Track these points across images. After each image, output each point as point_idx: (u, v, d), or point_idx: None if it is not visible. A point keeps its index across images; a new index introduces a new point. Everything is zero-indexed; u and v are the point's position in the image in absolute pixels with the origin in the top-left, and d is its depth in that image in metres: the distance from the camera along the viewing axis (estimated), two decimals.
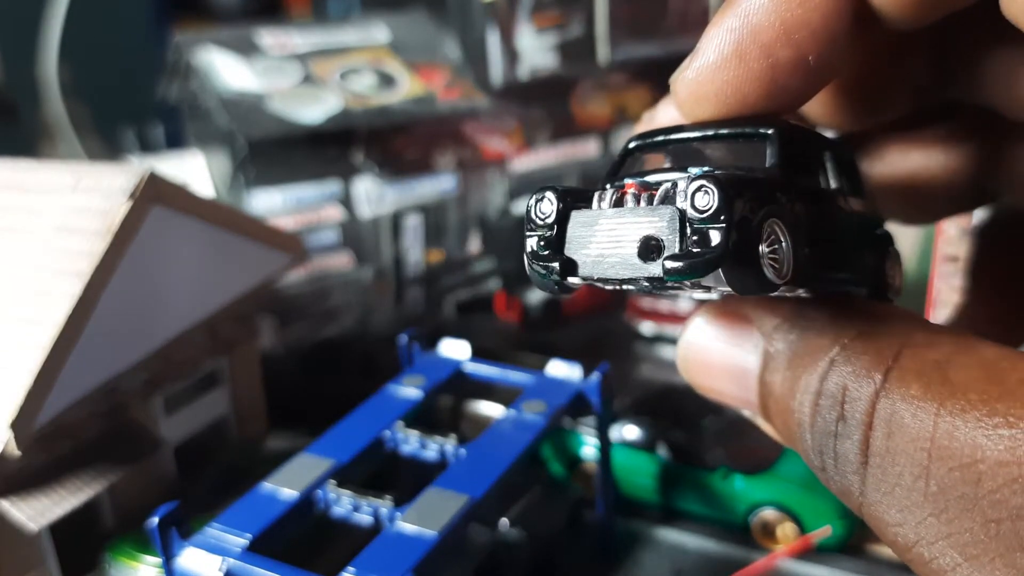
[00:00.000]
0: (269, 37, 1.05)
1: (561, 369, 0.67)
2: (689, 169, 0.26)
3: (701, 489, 0.68)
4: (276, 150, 0.93)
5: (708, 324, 0.30)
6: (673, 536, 0.68)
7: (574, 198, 0.27)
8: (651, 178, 0.26)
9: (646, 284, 0.24)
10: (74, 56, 1.26)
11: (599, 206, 0.26)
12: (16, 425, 0.53)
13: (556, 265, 0.26)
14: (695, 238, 0.23)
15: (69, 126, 1.22)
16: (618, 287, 0.26)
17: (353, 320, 0.99)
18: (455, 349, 0.71)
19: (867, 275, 0.30)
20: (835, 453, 0.25)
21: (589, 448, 0.71)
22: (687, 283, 0.23)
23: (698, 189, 0.23)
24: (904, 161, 0.34)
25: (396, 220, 1.00)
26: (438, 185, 1.03)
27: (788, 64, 0.26)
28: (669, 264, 0.23)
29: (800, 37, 0.26)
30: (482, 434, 0.60)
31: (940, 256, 0.67)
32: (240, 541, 0.50)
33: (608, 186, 0.27)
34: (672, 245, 0.24)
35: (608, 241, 0.25)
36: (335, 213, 0.97)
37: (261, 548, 0.50)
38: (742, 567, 0.64)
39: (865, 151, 0.35)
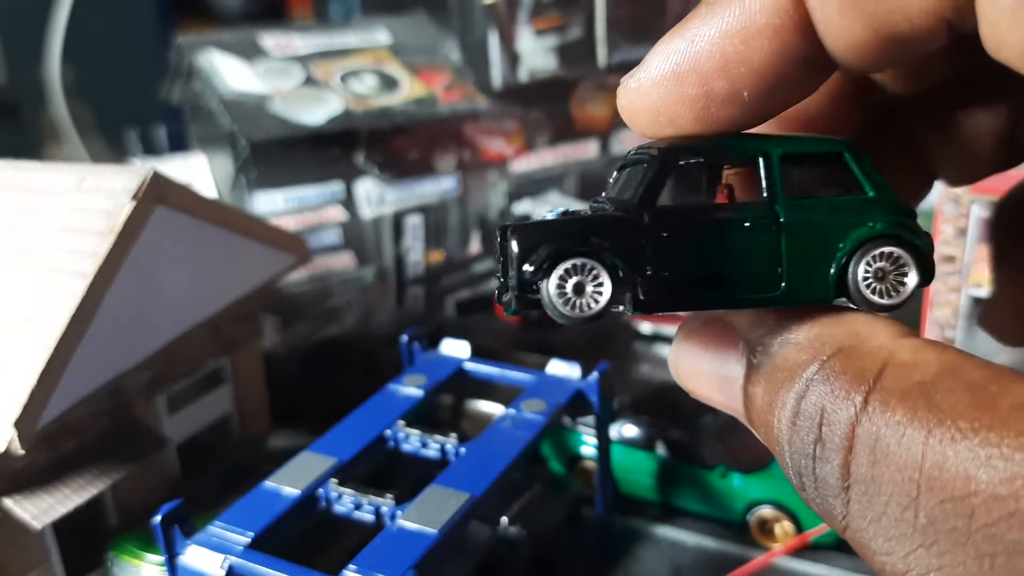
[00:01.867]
0: (271, 39, 1.05)
1: (561, 368, 0.67)
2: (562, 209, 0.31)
3: (699, 487, 0.69)
4: (278, 151, 0.93)
5: (698, 330, 0.30)
6: (672, 534, 0.69)
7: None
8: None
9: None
10: (77, 58, 1.26)
11: None
12: (20, 424, 0.54)
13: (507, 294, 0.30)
14: (501, 279, 0.29)
15: (72, 127, 1.23)
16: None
17: (355, 320, 1.00)
18: (456, 348, 0.71)
19: (821, 281, 0.29)
20: (815, 476, 0.24)
21: (588, 447, 0.71)
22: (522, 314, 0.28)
23: (505, 236, 0.28)
24: (944, 121, 0.33)
25: (397, 221, 1.00)
26: (439, 186, 1.03)
27: (721, 95, 0.26)
28: (498, 298, 0.29)
29: (737, 72, 0.26)
30: (482, 433, 0.60)
31: (937, 257, 0.67)
32: (242, 539, 0.51)
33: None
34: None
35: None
36: (337, 214, 0.97)
37: (263, 546, 0.51)
38: (740, 564, 0.64)
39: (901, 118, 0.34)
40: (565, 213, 0.29)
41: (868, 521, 0.22)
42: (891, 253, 0.28)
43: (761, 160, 0.29)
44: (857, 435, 0.23)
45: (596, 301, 0.28)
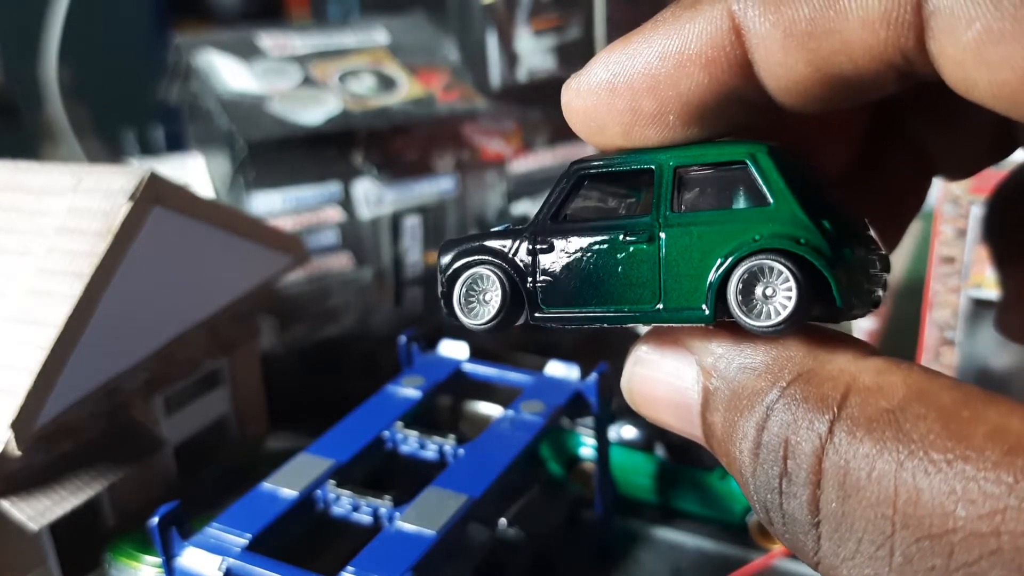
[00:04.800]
0: (269, 39, 1.05)
1: (559, 369, 0.67)
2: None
3: (699, 489, 0.69)
4: (276, 151, 0.93)
5: (650, 352, 0.29)
6: (671, 535, 0.69)
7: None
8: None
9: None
10: (75, 58, 1.26)
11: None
12: (17, 425, 0.53)
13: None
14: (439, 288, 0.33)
15: (69, 128, 1.22)
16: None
17: (353, 320, 1.00)
18: (454, 350, 0.71)
19: (701, 297, 0.27)
20: (782, 511, 0.23)
21: (587, 448, 0.71)
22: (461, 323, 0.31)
23: (439, 251, 0.33)
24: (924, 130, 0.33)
25: (395, 221, 1.00)
26: (437, 186, 1.03)
27: (648, 114, 0.27)
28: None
29: (666, 95, 0.26)
30: (481, 434, 0.60)
31: (936, 257, 0.67)
32: (240, 541, 0.51)
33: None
34: None
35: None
36: (335, 214, 0.97)
37: (261, 547, 0.51)
38: (739, 566, 0.64)
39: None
40: (506, 229, 0.31)
41: (841, 559, 0.21)
42: (771, 268, 0.25)
43: (654, 171, 0.28)
44: (824, 469, 0.22)
45: (492, 311, 0.30)
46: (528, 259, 0.30)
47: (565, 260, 0.29)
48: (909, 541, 0.20)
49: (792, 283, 0.25)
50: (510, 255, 0.30)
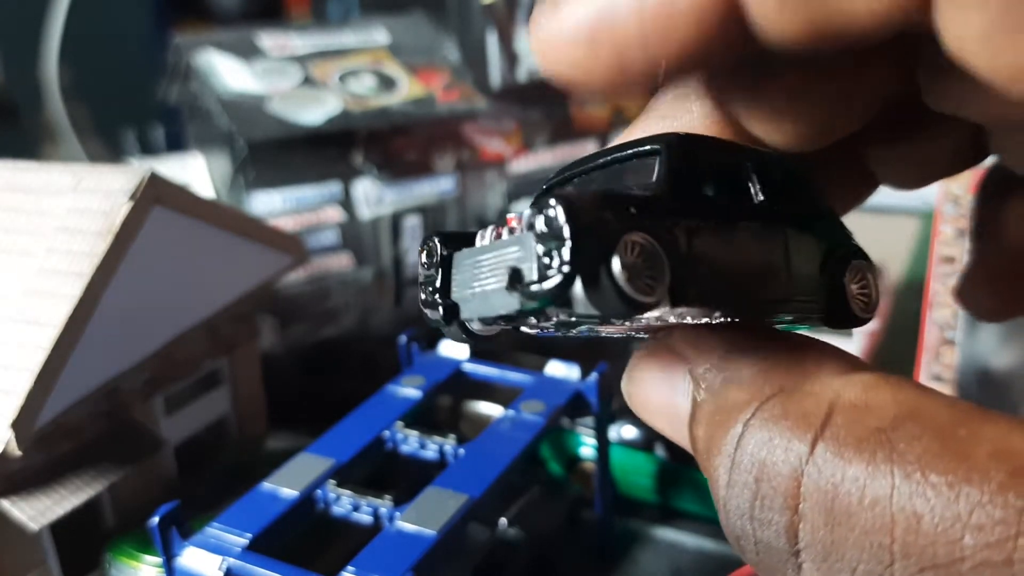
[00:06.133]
0: (269, 39, 1.05)
1: (560, 369, 0.67)
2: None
3: (699, 488, 0.69)
4: (276, 151, 0.93)
5: (648, 359, 0.27)
6: (671, 535, 0.69)
7: (460, 241, 0.26)
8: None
9: (529, 319, 0.24)
10: (75, 58, 1.26)
11: (479, 243, 0.25)
12: (17, 425, 0.53)
13: (440, 310, 0.25)
14: (546, 260, 0.22)
15: (70, 127, 1.22)
16: (506, 327, 0.25)
17: (353, 320, 1.00)
18: (454, 349, 0.71)
19: (818, 296, 0.27)
20: (754, 539, 0.21)
21: (587, 448, 0.71)
22: (555, 312, 0.22)
23: (545, 207, 0.22)
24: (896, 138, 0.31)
25: (395, 221, 1.00)
26: (437, 186, 1.03)
27: (637, 68, 0.23)
28: (525, 291, 0.22)
29: (655, 50, 0.23)
30: (481, 434, 0.60)
31: (936, 257, 0.67)
32: (240, 540, 0.51)
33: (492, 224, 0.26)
34: (530, 271, 0.22)
35: (485, 278, 0.24)
36: (335, 214, 0.97)
37: (261, 547, 0.51)
38: (740, 566, 0.64)
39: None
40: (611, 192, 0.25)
41: None
42: (861, 268, 0.28)
43: (751, 167, 0.28)
44: (805, 493, 0.20)
45: (656, 286, 0.23)
46: (676, 235, 0.23)
47: (716, 249, 0.24)
48: (911, 571, 0.19)
49: (871, 279, 0.28)
50: (661, 225, 0.23)
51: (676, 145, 0.25)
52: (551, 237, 0.21)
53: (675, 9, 0.22)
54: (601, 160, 0.27)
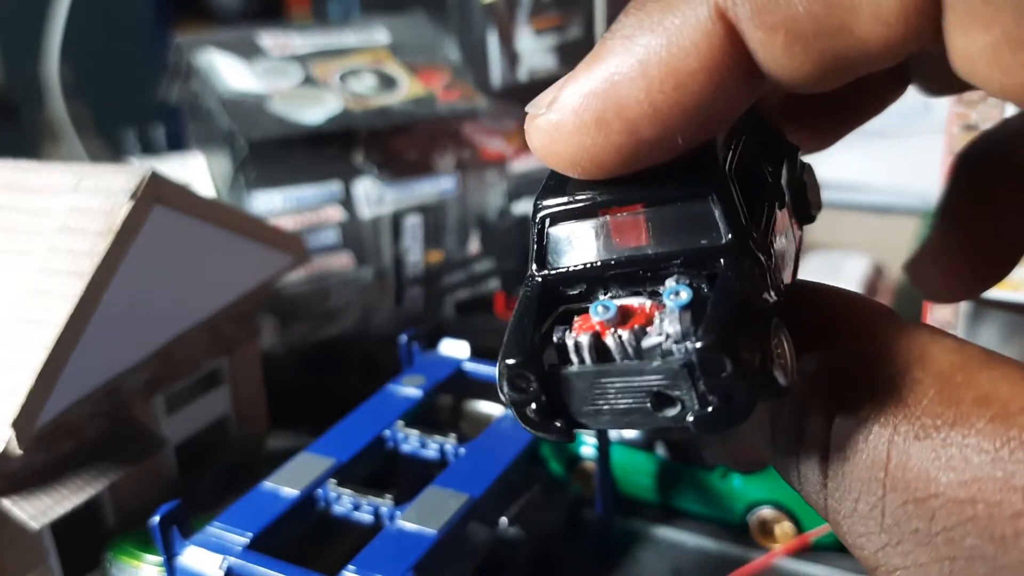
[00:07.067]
0: (269, 39, 1.05)
1: None
2: (665, 298, 0.23)
3: (699, 488, 0.69)
4: (277, 151, 0.93)
5: None
6: (671, 535, 0.69)
7: (541, 356, 0.24)
8: (616, 302, 0.23)
9: (664, 425, 0.23)
10: (75, 57, 1.26)
11: (580, 359, 0.23)
12: (18, 424, 0.53)
13: (557, 433, 0.24)
14: (713, 396, 0.21)
15: (70, 127, 1.22)
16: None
17: (353, 320, 1.00)
18: (455, 349, 0.71)
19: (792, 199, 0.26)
20: (799, 473, 0.24)
21: (588, 447, 0.71)
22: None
23: (707, 359, 0.21)
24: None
25: (396, 221, 1.00)
26: (438, 186, 1.03)
27: (654, 141, 0.23)
28: (697, 420, 0.21)
29: (670, 119, 0.22)
30: (482, 433, 0.60)
31: None
32: (241, 540, 0.51)
33: (567, 327, 0.24)
34: (691, 401, 0.22)
35: (614, 398, 0.23)
36: (335, 214, 0.97)
37: (262, 546, 0.51)
38: (740, 565, 0.64)
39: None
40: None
41: (842, 516, 0.23)
42: None
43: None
44: (832, 434, 0.22)
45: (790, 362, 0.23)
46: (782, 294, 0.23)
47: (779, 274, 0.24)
48: (897, 503, 0.21)
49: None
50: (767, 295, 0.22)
51: (725, 187, 0.23)
52: (717, 381, 0.21)
53: (683, 69, 0.21)
54: (623, 198, 0.24)
